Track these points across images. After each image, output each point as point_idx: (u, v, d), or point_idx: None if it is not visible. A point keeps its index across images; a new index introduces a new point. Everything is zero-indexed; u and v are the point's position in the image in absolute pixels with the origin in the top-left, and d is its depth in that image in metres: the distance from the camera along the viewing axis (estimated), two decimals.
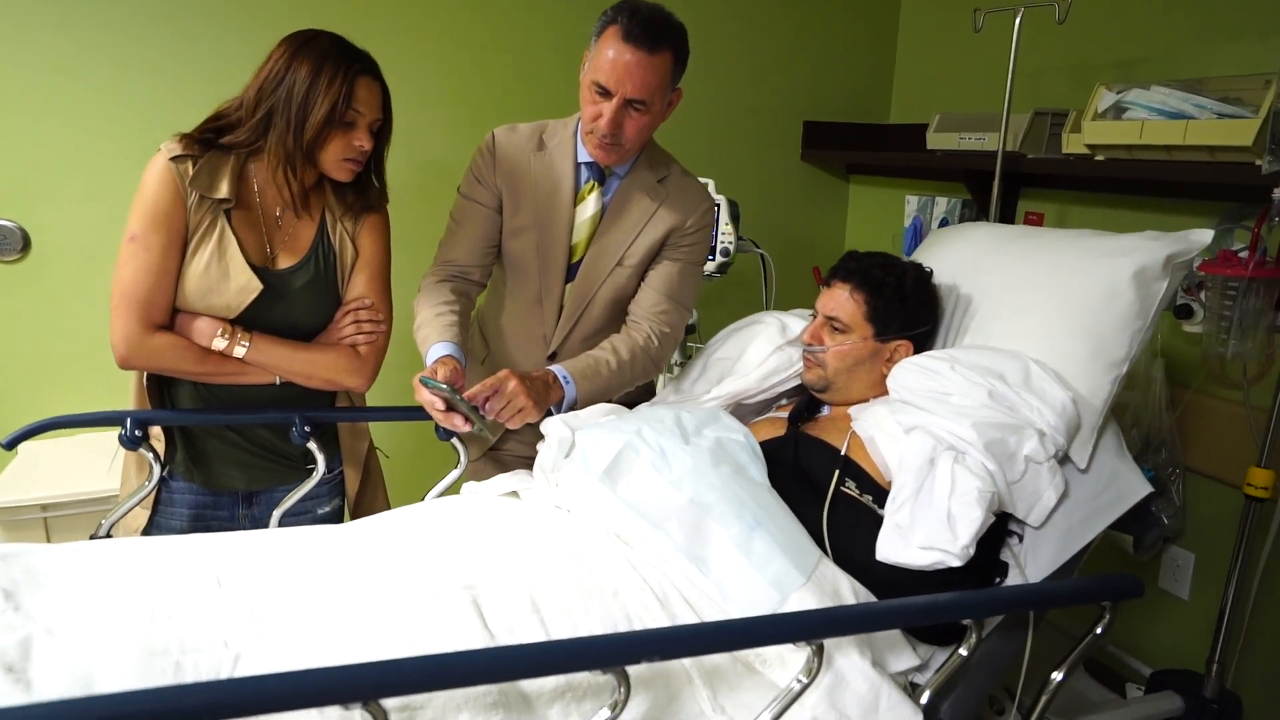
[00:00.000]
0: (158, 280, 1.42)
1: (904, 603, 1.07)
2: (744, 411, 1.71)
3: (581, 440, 1.32)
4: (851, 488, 1.35)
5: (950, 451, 1.25)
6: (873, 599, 1.20)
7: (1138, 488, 1.33)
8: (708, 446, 1.27)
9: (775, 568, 1.14)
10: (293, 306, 1.51)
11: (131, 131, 2.21)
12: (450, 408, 1.36)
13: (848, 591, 1.18)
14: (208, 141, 1.44)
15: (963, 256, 1.62)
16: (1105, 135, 2.04)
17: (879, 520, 1.31)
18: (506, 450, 1.79)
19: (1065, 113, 2.28)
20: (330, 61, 1.39)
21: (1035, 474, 1.27)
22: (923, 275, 1.53)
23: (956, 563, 1.18)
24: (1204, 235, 1.37)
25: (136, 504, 1.50)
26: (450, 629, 1.05)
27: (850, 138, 3.20)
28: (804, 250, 3.18)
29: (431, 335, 1.51)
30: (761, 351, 1.67)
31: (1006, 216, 2.63)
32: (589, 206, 1.64)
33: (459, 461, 1.67)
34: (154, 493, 1.53)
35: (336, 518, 1.71)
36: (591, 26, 1.53)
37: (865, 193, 3.29)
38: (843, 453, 1.39)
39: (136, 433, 1.43)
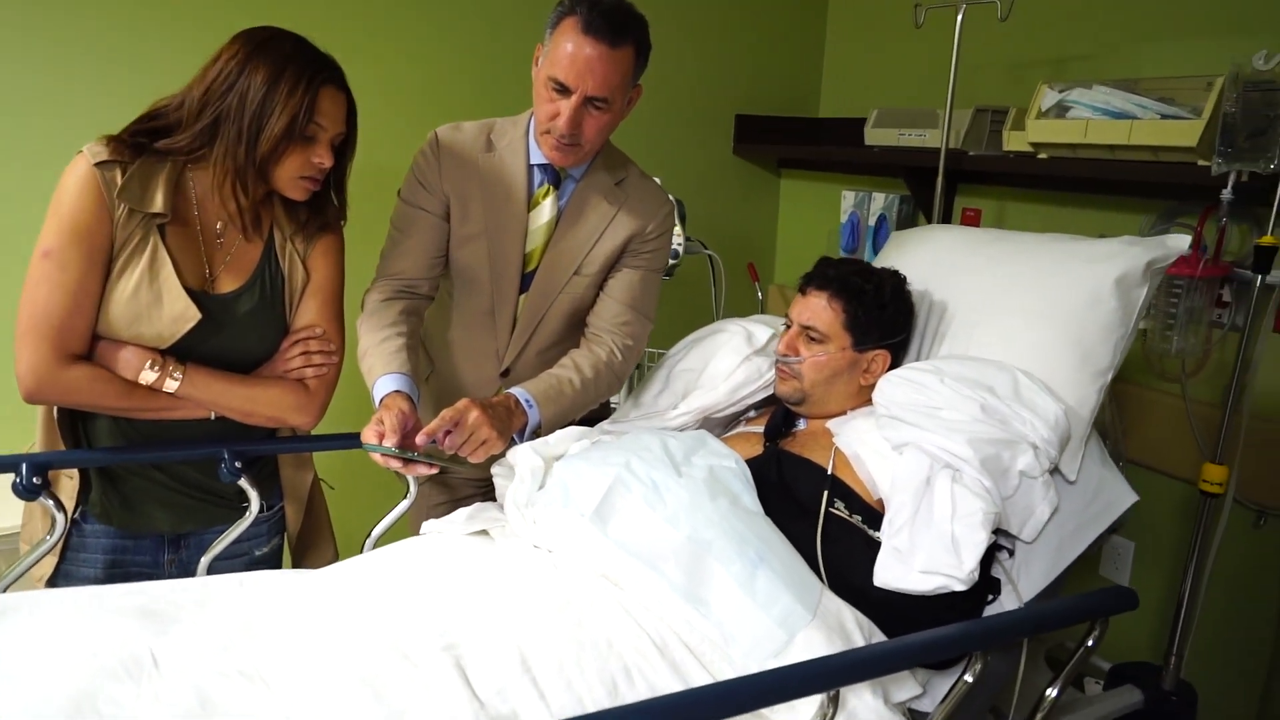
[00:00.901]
0: (76, 304, 1.23)
1: (919, 640, 1.02)
2: (710, 425, 1.63)
3: (563, 475, 1.22)
4: (841, 508, 1.29)
5: (947, 470, 1.21)
6: (875, 629, 1.14)
7: (1124, 496, 1.32)
8: (702, 477, 1.19)
9: (781, 606, 1.07)
10: (234, 335, 1.35)
11: (23, 124, 1.95)
12: (408, 461, 1.24)
13: (852, 624, 1.11)
14: (140, 146, 1.25)
15: (930, 261, 1.58)
16: (1050, 134, 2.04)
17: (871, 542, 1.26)
18: (454, 472, 1.67)
19: (1005, 110, 2.28)
20: (292, 68, 1.22)
21: (1028, 489, 1.24)
22: (900, 282, 1.48)
23: (961, 587, 1.14)
24: (1181, 241, 1.37)
25: (39, 559, 1.31)
26: (433, 699, 0.94)
27: (781, 131, 3.17)
28: (738, 246, 3.14)
29: (377, 366, 1.37)
30: (729, 363, 1.60)
31: (944, 213, 2.64)
32: (544, 212, 1.53)
33: (408, 491, 1.53)
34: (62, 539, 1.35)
35: (275, 558, 1.55)
36: (541, 18, 1.41)
37: (797, 187, 3.26)
38: (829, 471, 1.33)
39: (35, 480, 1.24)
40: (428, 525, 1.35)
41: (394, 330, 1.43)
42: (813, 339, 1.45)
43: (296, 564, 1.62)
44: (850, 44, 3.09)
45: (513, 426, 1.35)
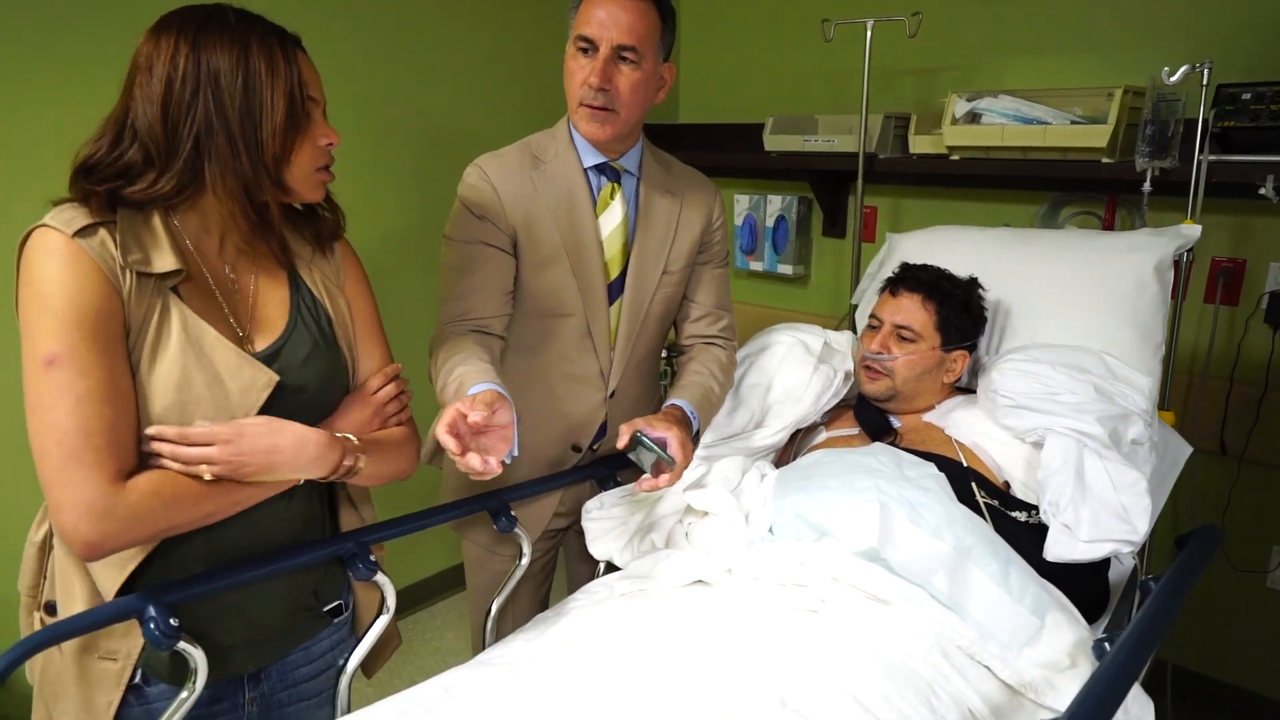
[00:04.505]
0: (115, 412, 0.95)
1: (1166, 602, 1.13)
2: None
3: (797, 508, 1.20)
4: (984, 496, 1.39)
5: (1089, 449, 1.35)
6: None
7: (1184, 449, 1.56)
8: (935, 488, 1.22)
9: (1031, 594, 1.15)
10: (309, 393, 1.11)
11: None
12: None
13: (1065, 600, 1.22)
14: (113, 198, 0.98)
15: (963, 262, 1.69)
16: (966, 138, 2.30)
17: (1013, 521, 1.38)
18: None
19: (908, 116, 2.53)
20: (256, 40, 0.98)
21: (1134, 454, 1.42)
22: (977, 287, 1.61)
23: (1132, 549, 1.29)
24: (1194, 230, 1.63)
25: None
26: None
27: (654, 139, 3.21)
28: None
29: (471, 376, 1.22)
30: (801, 373, 1.63)
31: (839, 210, 2.87)
32: (615, 213, 1.45)
33: (522, 552, 1.40)
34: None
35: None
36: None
37: None
38: (965, 464, 1.42)
39: (172, 621, 0.97)
40: (623, 585, 1.24)
41: (478, 357, 1.28)
42: (904, 338, 1.54)
43: (368, 664, 1.40)
44: (701, 54, 3.20)
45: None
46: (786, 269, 2.96)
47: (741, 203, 3.03)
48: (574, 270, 1.42)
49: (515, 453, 1.13)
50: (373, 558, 1.17)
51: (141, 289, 0.98)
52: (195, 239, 1.05)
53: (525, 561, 1.40)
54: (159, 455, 0.96)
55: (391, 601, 1.22)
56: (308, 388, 1.12)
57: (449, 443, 1.05)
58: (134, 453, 0.98)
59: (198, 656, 1.01)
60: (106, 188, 0.97)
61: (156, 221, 1.01)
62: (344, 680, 1.20)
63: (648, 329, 1.50)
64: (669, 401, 1.39)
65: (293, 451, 1.03)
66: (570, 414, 1.48)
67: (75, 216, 0.96)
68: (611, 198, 1.45)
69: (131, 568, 1.01)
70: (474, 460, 1.06)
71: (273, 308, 1.12)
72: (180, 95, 0.96)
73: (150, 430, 0.96)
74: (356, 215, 1.95)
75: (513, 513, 1.37)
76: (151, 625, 0.96)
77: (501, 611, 1.47)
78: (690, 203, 1.51)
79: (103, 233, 0.96)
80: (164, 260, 0.99)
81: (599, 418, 1.49)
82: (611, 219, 1.45)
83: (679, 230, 1.50)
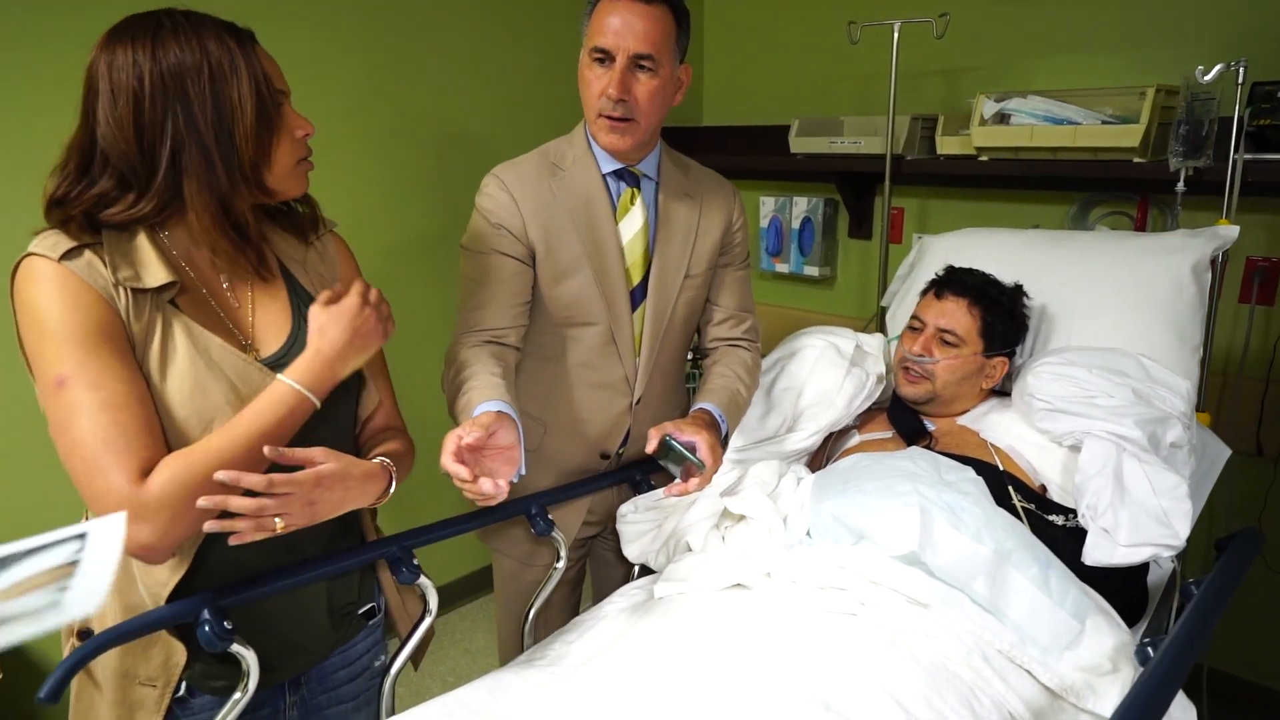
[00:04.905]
0: (133, 415, 0.93)
1: (1211, 606, 1.13)
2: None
3: (838, 512, 1.20)
4: (1021, 500, 1.39)
5: (1128, 453, 1.34)
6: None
7: (1222, 451, 1.55)
8: (975, 492, 1.22)
9: (1072, 598, 1.15)
10: (333, 396, 1.09)
11: None
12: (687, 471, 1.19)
13: (1105, 603, 1.22)
14: (94, 221, 0.97)
15: (999, 263, 1.69)
16: (995, 139, 2.29)
17: (1052, 525, 1.37)
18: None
19: (935, 118, 2.52)
20: (210, 39, 0.95)
21: (1173, 458, 1.41)
22: (1022, 294, 1.61)
23: (1172, 553, 1.28)
24: (1232, 231, 1.62)
25: None
26: None
27: (671, 141, 3.22)
28: None
29: (478, 395, 1.21)
30: (833, 377, 1.63)
31: (865, 212, 2.86)
32: (635, 219, 1.45)
33: (560, 556, 1.41)
34: None
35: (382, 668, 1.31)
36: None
37: None
38: (1001, 468, 1.42)
39: (227, 624, 0.99)
40: (662, 589, 1.25)
41: (492, 372, 1.27)
42: (947, 342, 1.54)
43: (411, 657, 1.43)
44: (726, 57, 3.21)
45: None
46: (812, 271, 2.96)
47: (767, 204, 3.03)
48: (596, 278, 1.42)
49: (523, 471, 1.14)
50: (415, 561, 1.19)
51: (138, 305, 0.97)
52: (186, 253, 1.04)
53: (562, 565, 1.40)
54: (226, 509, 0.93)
55: (434, 603, 1.23)
56: (334, 390, 1.10)
57: (458, 470, 1.04)
58: (159, 450, 0.96)
59: (250, 658, 1.02)
60: (83, 210, 0.96)
61: (143, 239, 0.99)
62: (388, 681, 1.22)
63: (671, 334, 1.50)
64: (696, 405, 1.40)
65: (359, 492, 1.05)
66: (596, 421, 1.48)
67: (59, 241, 0.95)
68: (631, 203, 1.45)
69: (175, 582, 1.02)
70: (486, 485, 1.05)
71: (273, 315, 1.11)
72: (152, 114, 0.94)
73: (223, 476, 0.92)
74: (375, 220, 1.98)
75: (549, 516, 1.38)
76: (206, 627, 0.97)
77: (535, 620, 1.47)
78: (710, 205, 1.51)
79: (89, 254, 0.95)
80: (155, 275, 0.98)
81: (625, 424, 1.49)
82: (632, 225, 1.45)
83: (699, 234, 1.49)
